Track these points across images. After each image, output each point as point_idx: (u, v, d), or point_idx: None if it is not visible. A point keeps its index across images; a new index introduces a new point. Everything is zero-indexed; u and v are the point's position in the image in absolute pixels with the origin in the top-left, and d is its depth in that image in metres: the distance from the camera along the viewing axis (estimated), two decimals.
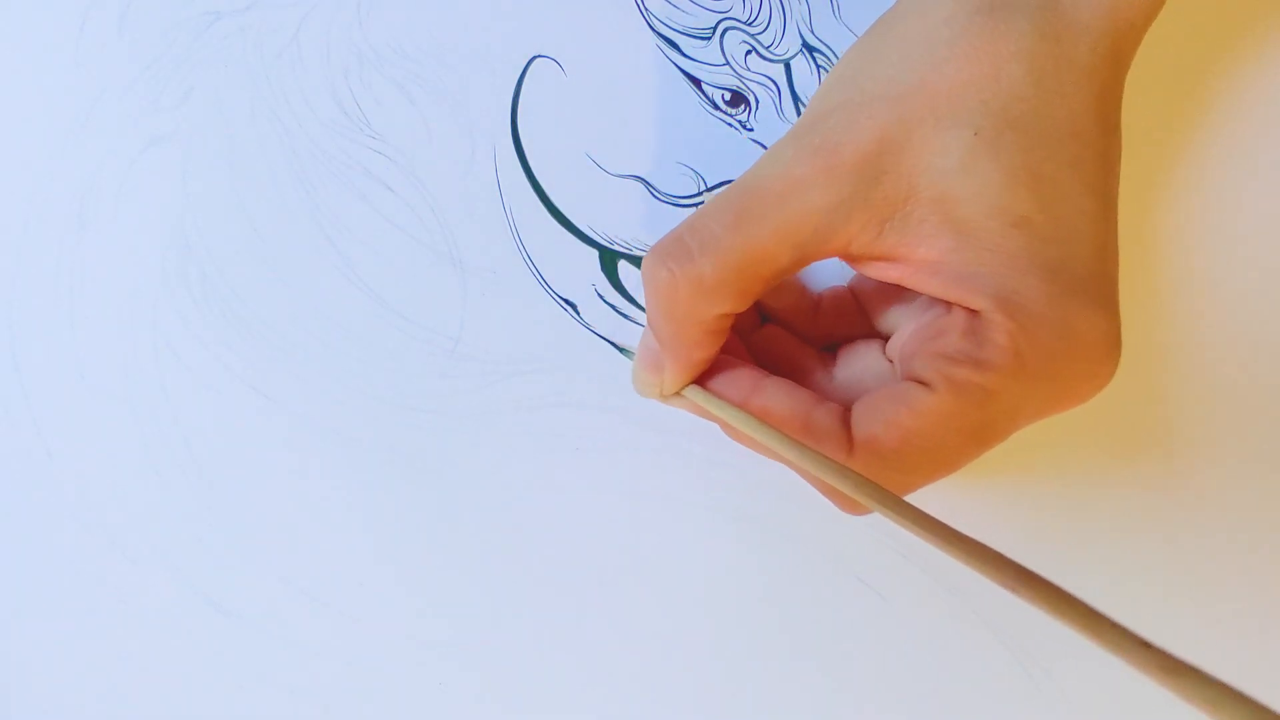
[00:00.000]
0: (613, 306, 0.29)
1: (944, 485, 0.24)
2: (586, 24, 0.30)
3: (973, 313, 0.21)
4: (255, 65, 0.30)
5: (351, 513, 0.29)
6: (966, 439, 0.21)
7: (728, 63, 0.29)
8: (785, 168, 0.21)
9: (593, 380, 0.29)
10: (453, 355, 0.29)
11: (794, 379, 0.24)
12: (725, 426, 0.25)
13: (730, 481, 0.29)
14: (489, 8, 0.30)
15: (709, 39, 0.29)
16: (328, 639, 0.29)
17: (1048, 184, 0.21)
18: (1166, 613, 0.28)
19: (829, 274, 0.29)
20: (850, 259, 0.23)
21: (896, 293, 0.25)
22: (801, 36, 0.29)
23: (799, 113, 0.29)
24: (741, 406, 0.23)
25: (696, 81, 0.29)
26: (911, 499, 0.21)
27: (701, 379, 0.24)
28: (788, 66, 0.29)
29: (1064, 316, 0.20)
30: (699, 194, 0.29)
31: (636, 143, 0.29)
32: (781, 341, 0.26)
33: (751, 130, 0.29)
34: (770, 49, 0.29)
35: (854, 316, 0.26)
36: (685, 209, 0.29)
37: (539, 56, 0.30)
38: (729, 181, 0.29)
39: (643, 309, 0.29)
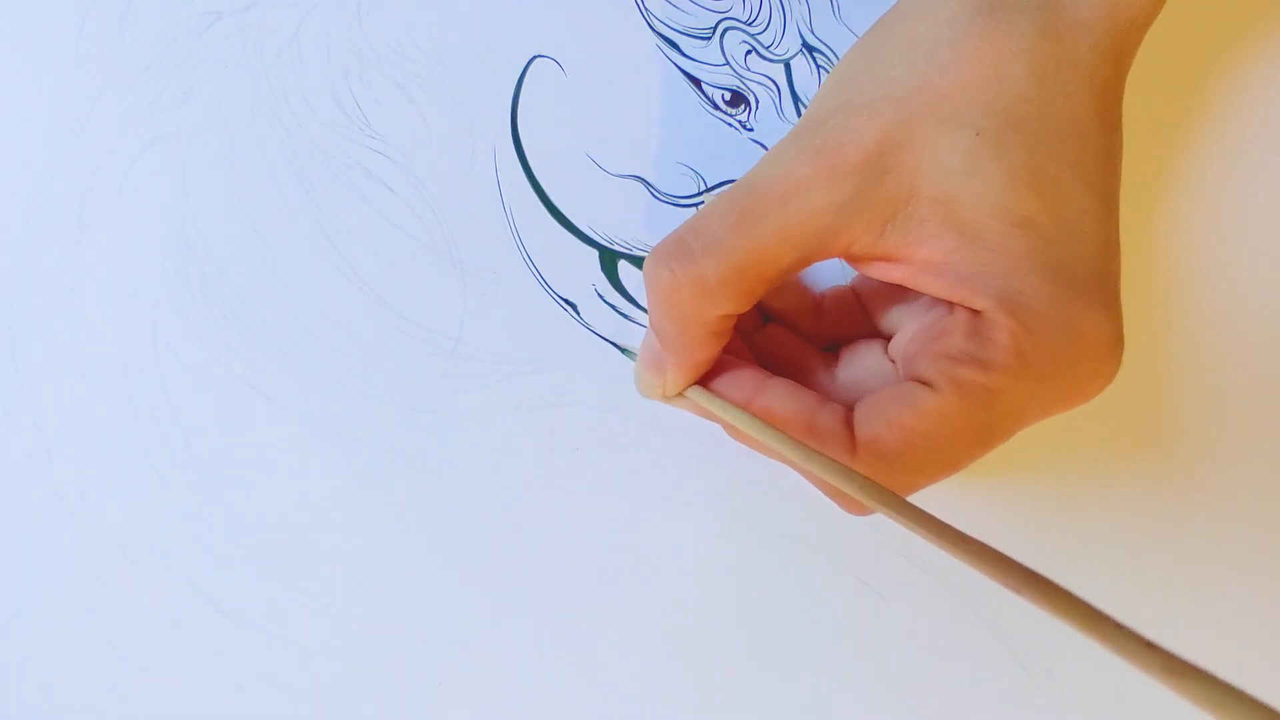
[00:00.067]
0: (613, 306, 0.29)
1: (945, 485, 0.24)
2: (586, 24, 0.30)
3: (975, 313, 0.21)
4: (255, 65, 0.30)
5: (351, 513, 0.29)
6: (970, 439, 0.21)
7: (728, 63, 0.29)
8: (787, 168, 0.21)
9: (593, 380, 0.29)
10: (453, 355, 0.29)
11: (796, 379, 0.24)
12: (728, 427, 0.25)
13: (730, 481, 0.29)
14: (489, 8, 0.30)
15: (709, 39, 0.29)
16: (328, 639, 0.29)
17: (1050, 184, 0.21)
18: (1167, 613, 0.28)
19: (831, 274, 0.29)
20: (852, 259, 0.23)
21: (899, 293, 0.25)
22: (801, 36, 0.29)
23: (799, 113, 0.29)
24: (744, 407, 0.23)
25: (696, 81, 0.29)
26: (914, 499, 0.21)
27: (704, 380, 0.24)
28: (788, 66, 0.29)
29: (1067, 316, 0.20)
30: (699, 194, 0.29)
31: (636, 143, 0.29)
32: (784, 341, 0.26)
33: (751, 130, 0.29)
34: (770, 49, 0.29)
35: (856, 316, 0.26)
36: (685, 209, 0.29)
37: (539, 56, 0.30)
38: (729, 181, 0.29)
39: (643, 309, 0.29)
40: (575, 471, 0.29)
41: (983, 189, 0.20)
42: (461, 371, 0.29)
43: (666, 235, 0.23)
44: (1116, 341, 0.21)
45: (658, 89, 0.29)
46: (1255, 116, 0.29)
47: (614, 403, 0.29)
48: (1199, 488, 0.29)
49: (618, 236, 0.29)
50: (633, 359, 0.29)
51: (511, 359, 0.29)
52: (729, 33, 0.29)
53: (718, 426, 0.27)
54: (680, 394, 0.24)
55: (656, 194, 0.29)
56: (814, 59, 0.29)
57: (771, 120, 0.29)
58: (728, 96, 0.29)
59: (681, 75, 0.29)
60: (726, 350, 0.24)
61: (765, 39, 0.29)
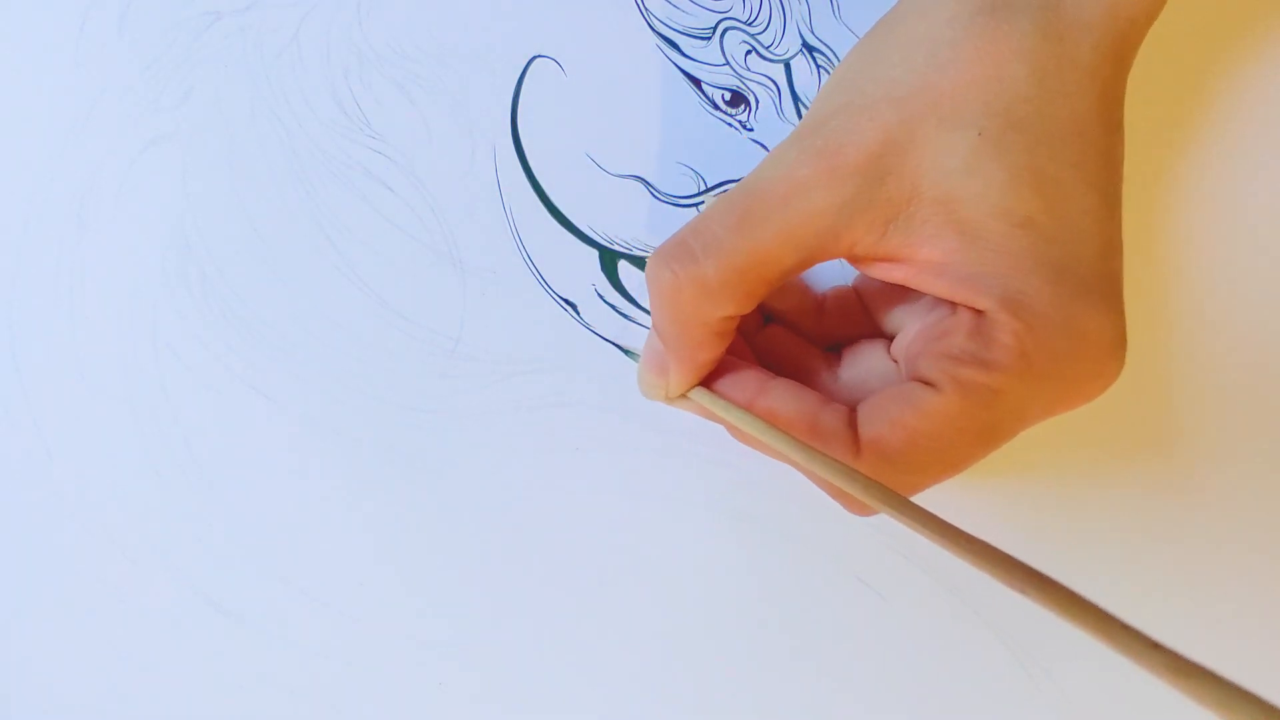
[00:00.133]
0: (613, 306, 0.29)
1: (947, 485, 0.24)
2: (586, 24, 0.30)
3: (978, 313, 0.21)
4: (255, 65, 0.30)
5: (352, 513, 0.29)
6: (973, 439, 0.21)
7: (728, 63, 0.29)
8: (788, 170, 0.21)
9: (593, 380, 0.29)
10: (453, 355, 0.29)
11: (799, 379, 0.24)
12: (731, 428, 0.25)
13: (730, 481, 0.29)
14: (489, 8, 0.30)
15: (709, 39, 0.29)
16: (328, 639, 0.29)
17: (1052, 184, 0.21)
18: (1168, 613, 0.28)
19: (832, 274, 0.29)
20: (854, 260, 0.23)
21: (901, 293, 0.25)
22: (801, 36, 0.29)
23: (799, 113, 0.29)
24: (747, 408, 0.23)
25: (696, 81, 0.29)
26: (917, 499, 0.21)
27: (707, 381, 0.24)
28: (788, 66, 0.29)
29: (1070, 316, 0.20)
30: (699, 194, 0.29)
31: (636, 143, 0.29)
32: (786, 342, 0.26)
33: (751, 130, 0.29)
34: (770, 49, 0.29)
35: (858, 317, 0.26)
36: (685, 209, 0.29)
37: (539, 56, 0.30)
38: (729, 181, 0.29)
39: (643, 309, 0.29)
40: (575, 471, 0.29)
41: (984, 189, 0.20)
42: (461, 371, 0.29)
43: (668, 237, 0.23)
44: (1119, 341, 0.21)
45: (658, 89, 0.29)
46: (1255, 116, 0.29)
47: (614, 403, 0.29)
48: (1200, 487, 0.29)
49: (618, 236, 0.29)
50: (635, 360, 0.29)
51: (511, 359, 0.29)
52: (729, 33, 0.29)
53: (717, 427, 0.27)
54: (683, 395, 0.24)
55: (656, 194, 0.29)
56: (814, 59, 0.29)
57: (771, 120, 0.29)
58: (728, 96, 0.29)
59: (681, 75, 0.29)
60: (729, 351, 0.24)
61: (765, 39, 0.29)
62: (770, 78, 0.29)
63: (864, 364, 0.25)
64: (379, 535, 0.29)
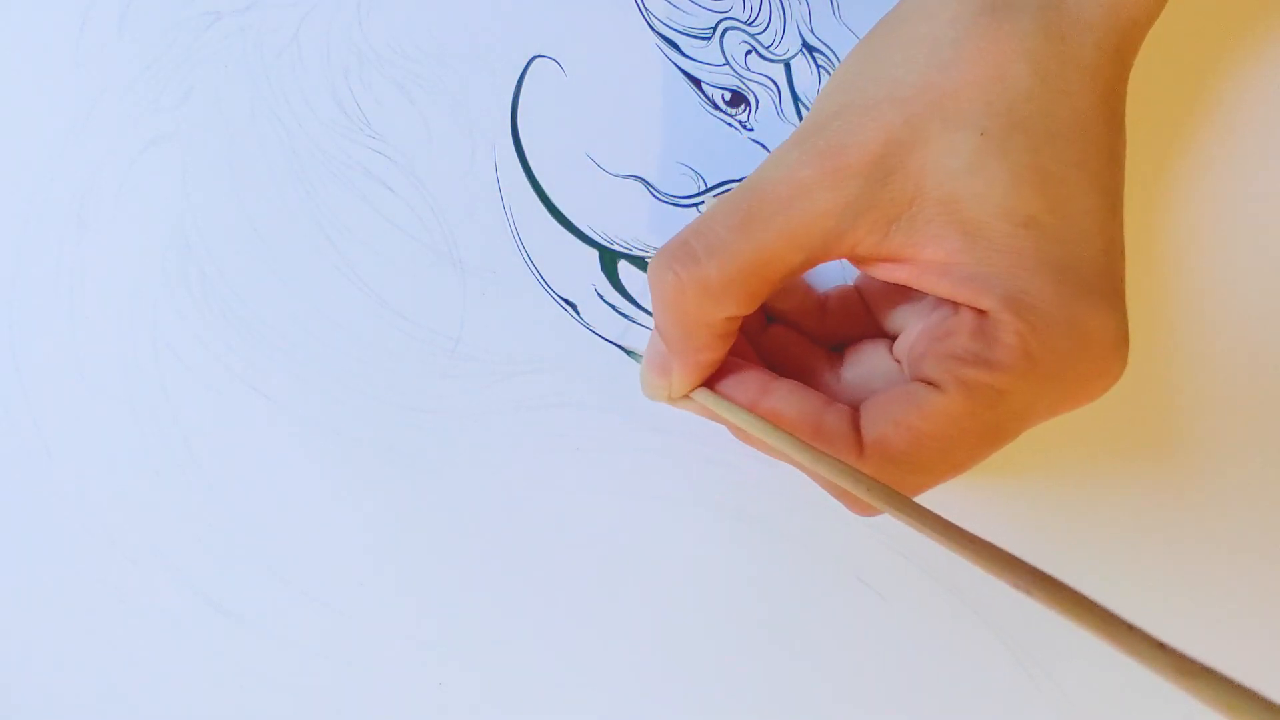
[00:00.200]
0: (613, 307, 0.29)
1: (950, 485, 0.24)
2: (586, 24, 0.30)
3: (981, 313, 0.21)
4: (255, 65, 0.30)
5: (352, 513, 0.29)
6: (977, 440, 0.21)
7: (728, 63, 0.29)
8: (790, 170, 0.21)
9: (593, 380, 0.29)
10: (453, 355, 0.29)
11: (801, 379, 0.24)
12: (734, 429, 0.25)
13: (731, 482, 0.29)
14: (489, 8, 0.30)
15: (709, 39, 0.29)
16: (328, 639, 0.29)
17: (1055, 183, 0.21)
18: (1169, 613, 0.28)
19: (834, 274, 0.29)
20: (857, 260, 0.23)
21: (903, 293, 0.25)
22: (801, 36, 0.29)
23: (799, 113, 0.29)
24: (751, 409, 0.23)
25: (696, 81, 0.29)
26: (921, 500, 0.21)
27: (710, 381, 0.24)
28: (788, 66, 0.29)
29: (1073, 316, 0.20)
30: (699, 194, 0.29)
31: (636, 143, 0.29)
32: (788, 342, 0.26)
33: (751, 130, 0.29)
34: (770, 49, 0.29)
35: (861, 316, 0.26)
36: (685, 209, 0.29)
37: (539, 56, 0.30)
38: (729, 182, 0.29)
39: (643, 309, 0.29)
40: (575, 471, 0.29)
41: (987, 189, 0.20)
42: (461, 371, 0.29)
43: (670, 237, 0.23)
44: (1122, 340, 0.21)
45: (658, 89, 0.29)
46: (1256, 116, 0.29)
47: (614, 403, 0.29)
48: (1202, 487, 0.29)
49: (618, 236, 0.29)
50: (637, 361, 0.29)
51: (511, 359, 0.29)
52: (729, 33, 0.29)
53: (717, 427, 0.27)
54: (686, 396, 0.24)
55: (656, 194, 0.29)
56: (814, 59, 0.29)
57: (771, 120, 0.29)
58: (728, 96, 0.29)
59: (681, 75, 0.29)
60: (732, 351, 0.24)
61: (765, 39, 0.29)
62: (770, 78, 0.29)
63: (867, 364, 0.25)
64: (379, 535, 0.29)
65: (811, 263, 0.22)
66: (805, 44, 0.29)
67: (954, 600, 0.28)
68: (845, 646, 0.29)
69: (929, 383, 0.21)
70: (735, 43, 0.29)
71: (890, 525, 0.28)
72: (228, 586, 0.29)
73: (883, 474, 0.21)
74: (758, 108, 0.29)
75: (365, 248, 0.29)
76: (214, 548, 0.29)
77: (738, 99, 0.29)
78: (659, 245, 0.29)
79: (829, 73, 0.29)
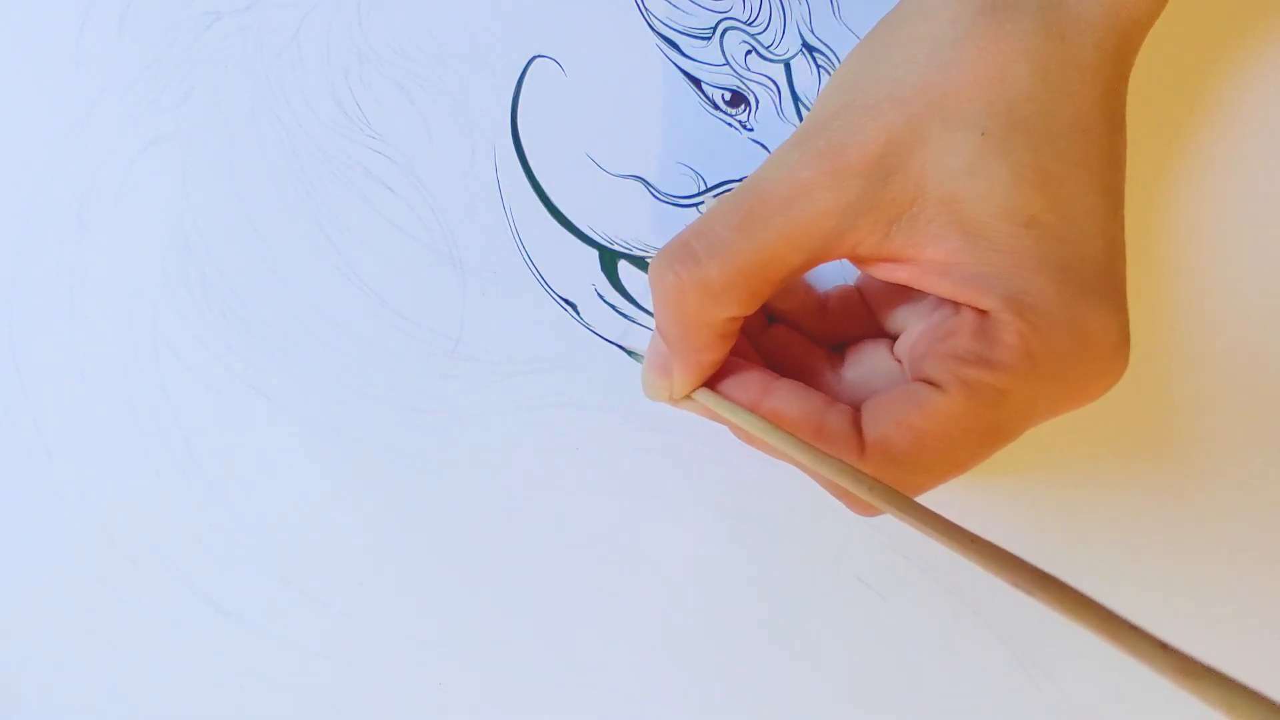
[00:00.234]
0: (613, 307, 0.29)
1: (951, 485, 0.24)
2: (586, 24, 0.30)
3: (982, 313, 0.21)
4: (255, 65, 0.30)
5: (352, 513, 0.29)
6: (979, 440, 0.21)
7: (728, 63, 0.29)
8: (791, 171, 0.21)
9: (593, 380, 0.29)
10: (453, 355, 0.29)
11: (802, 379, 0.24)
12: (735, 429, 0.25)
13: (730, 481, 0.29)
14: (489, 8, 0.30)
15: (709, 39, 0.29)
16: (328, 639, 0.29)
17: (1055, 183, 0.21)
18: (1169, 613, 0.28)
19: (835, 274, 0.29)
20: (858, 261, 0.23)
21: (904, 293, 0.25)
22: (801, 36, 0.29)
23: (799, 113, 0.29)
24: (752, 409, 0.23)
25: (696, 81, 0.29)
26: (922, 500, 0.21)
27: (711, 382, 0.24)
28: (788, 66, 0.29)
29: (1075, 315, 0.20)
30: (699, 194, 0.29)
31: (636, 143, 0.29)
32: (789, 342, 0.26)
33: (751, 130, 0.29)
34: (770, 49, 0.29)
35: (861, 316, 0.26)
36: (685, 209, 0.29)
37: (539, 56, 0.30)
38: (729, 182, 0.29)
39: (643, 309, 0.29)
40: (575, 471, 0.29)
41: (988, 189, 0.20)
42: (461, 371, 0.29)
43: (670, 237, 0.23)
44: (1123, 340, 0.21)
45: (658, 89, 0.29)
46: (1256, 116, 0.29)
47: (614, 403, 0.29)
48: (1202, 487, 0.29)
49: (618, 236, 0.29)
50: (638, 361, 0.29)
51: (511, 359, 0.29)
52: (729, 33, 0.29)
53: (717, 427, 0.27)
54: (687, 396, 0.24)
55: (657, 194, 0.29)
56: (814, 59, 0.29)
57: (771, 120, 0.29)
58: (728, 96, 0.29)
59: (681, 75, 0.29)
60: (733, 352, 0.24)
61: (765, 39, 0.29)
62: (770, 78, 0.29)
63: (868, 364, 0.25)
64: (379, 535, 0.29)
65: (812, 263, 0.22)
66: (805, 44, 0.29)
67: (954, 600, 0.28)
68: (845, 646, 0.29)
69: (930, 383, 0.21)
70: (735, 43, 0.29)
71: (890, 525, 0.28)
72: (228, 586, 0.29)
73: (884, 474, 0.21)
74: (758, 108, 0.29)
75: (365, 248, 0.29)
76: (214, 548, 0.29)
77: (738, 99, 0.29)
78: (659, 245, 0.29)
79: (829, 73, 0.29)
